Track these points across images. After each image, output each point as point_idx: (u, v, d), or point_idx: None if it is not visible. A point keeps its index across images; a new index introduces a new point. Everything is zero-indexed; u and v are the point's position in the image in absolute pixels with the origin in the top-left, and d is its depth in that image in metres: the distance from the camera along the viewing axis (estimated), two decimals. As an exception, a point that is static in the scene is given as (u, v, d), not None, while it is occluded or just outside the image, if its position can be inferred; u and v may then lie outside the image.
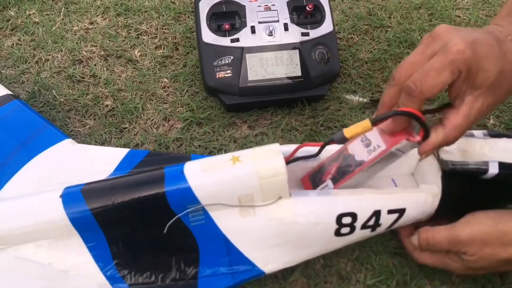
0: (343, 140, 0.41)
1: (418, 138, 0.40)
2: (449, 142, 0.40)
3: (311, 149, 0.46)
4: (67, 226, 0.43)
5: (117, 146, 0.59)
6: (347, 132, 0.40)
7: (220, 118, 0.62)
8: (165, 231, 0.43)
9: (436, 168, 0.46)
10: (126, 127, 0.61)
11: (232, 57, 0.60)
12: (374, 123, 0.40)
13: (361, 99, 0.64)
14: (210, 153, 0.59)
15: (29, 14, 0.73)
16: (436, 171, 0.45)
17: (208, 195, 0.43)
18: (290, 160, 0.47)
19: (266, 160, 0.43)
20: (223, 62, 0.60)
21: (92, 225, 0.43)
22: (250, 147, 0.58)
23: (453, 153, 0.44)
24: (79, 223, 0.43)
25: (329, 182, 0.46)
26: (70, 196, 0.43)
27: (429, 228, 0.45)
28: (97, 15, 0.74)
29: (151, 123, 0.61)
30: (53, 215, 0.43)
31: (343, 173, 0.45)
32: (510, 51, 0.38)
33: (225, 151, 0.59)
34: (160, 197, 0.43)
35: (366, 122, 0.40)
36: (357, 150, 0.45)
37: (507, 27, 0.40)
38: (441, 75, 0.36)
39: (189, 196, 0.43)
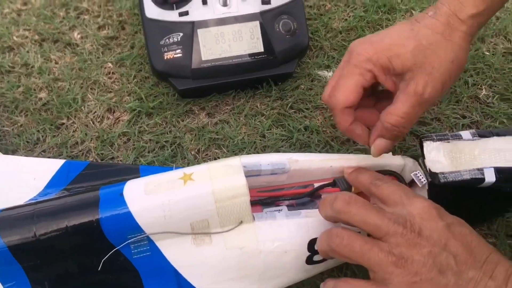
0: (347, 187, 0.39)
1: None
2: (393, 133, 0.37)
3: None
4: (-21, 262, 0.35)
5: (52, 146, 0.50)
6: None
7: (173, 106, 0.54)
8: (99, 268, 0.35)
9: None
10: (64, 123, 0.52)
11: (181, 34, 0.51)
12: None
13: (335, 74, 0.56)
14: (163, 148, 0.51)
15: (-48, -3, 0.64)
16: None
17: (153, 222, 0.35)
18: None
19: (224, 179, 0.35)
20: (171, 40, 0.51)
21: (9, 261, 0.35)
22: (209, 138, 0.51)
23: (441, 162, 0.38)
24: (-7, 259, 0.35)
25: (284, 208, 0.39)
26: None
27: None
28: (32, -6, 0.64)
29: (93, 117, 0.53)
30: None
31: (304, 206, 0.39)
32: (425, 26, 0.36)
33: (179, 145, 0.51)
34: (93, 226, 0.35)
35: None
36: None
37: (430, 8, 0.38)
38: (350, 79, 0.37)
39: (129, 224, 0.35)
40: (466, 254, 0.30)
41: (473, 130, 0.41)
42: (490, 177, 0.37)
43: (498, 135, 0.40)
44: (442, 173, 0.37)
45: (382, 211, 0.33)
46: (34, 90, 0.54)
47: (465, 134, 0.40)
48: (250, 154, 0.50)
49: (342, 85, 0.37)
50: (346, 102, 0.37)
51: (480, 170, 0.37)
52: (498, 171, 0.37)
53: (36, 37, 0.59)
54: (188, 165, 0.49)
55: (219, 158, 0.50)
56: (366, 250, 0.31)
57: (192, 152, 0.50)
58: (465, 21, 0.36)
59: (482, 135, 0.40)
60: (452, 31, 0.36)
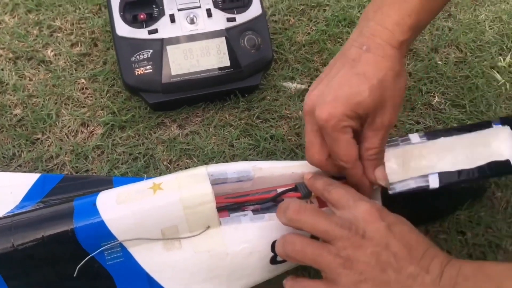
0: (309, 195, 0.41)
1: None
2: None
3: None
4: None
5: (27, 161, 0.52)
6: None
7: (145, 119, 0.56)
8: (75, 274, 0.37)
9: None
10: (39, 138, 0.54)
11: (151, 51, 0.54)
12: None
13: (299, 86, 0.59)
14: (136, 159, 0.53)
15: None
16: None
17: (125, 230, 0.37)
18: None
19: (191, 187, 0.38)
20: (141, 56, 0.54)
21: None
22: (180, 148, 0.53)
23: (391, 168, 0.41)
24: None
25: (249, 213, 0.41)
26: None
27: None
28: (5, 13, 0.66)
29: (68, 131, 0.55)
30: None
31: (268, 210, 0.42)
32: (368, 64, 0.37)
33: (152, 156, 0.53)
34: (69, 235, 0.37)
35: None
36: None
37: (358, 40, 0.39)
38: (339, 143, 0.38)
39: (102, 232, 0.37)
40: (405, 251, 0.33)
41: (422, 132, 0.43)
42: (434, 183, 0.40)
43: (445, 135, 0.43)
44: (391, 183, 0.40)
45: (330, 216, 0.36)
46: (9, 106, 0.56)
47: (414, 137, 0.43)
48: (220, 163, 0.53)
49: (338, 150, 0.38)
50: (353, 157, 0.38)
51: (425, 176, 0.40)
52: (442, 176, 0.40)
53: (10, 55, 0.61)
54: (160, 175, 0.51)
55: (190, 167, 0.53)
56: (317, 255, 0.34)
57: (164, 163, 0.53)
58: (397, 47, 0.38)
59: (430, 137, 0.43)
60: (392, 61, 0.38)
